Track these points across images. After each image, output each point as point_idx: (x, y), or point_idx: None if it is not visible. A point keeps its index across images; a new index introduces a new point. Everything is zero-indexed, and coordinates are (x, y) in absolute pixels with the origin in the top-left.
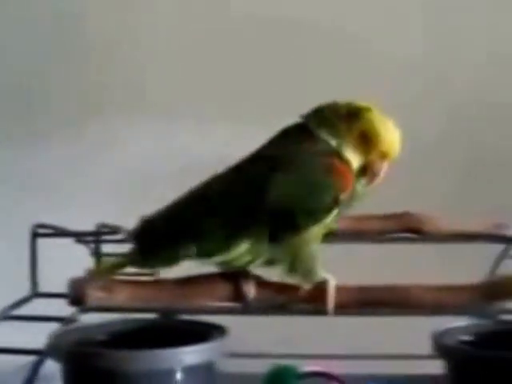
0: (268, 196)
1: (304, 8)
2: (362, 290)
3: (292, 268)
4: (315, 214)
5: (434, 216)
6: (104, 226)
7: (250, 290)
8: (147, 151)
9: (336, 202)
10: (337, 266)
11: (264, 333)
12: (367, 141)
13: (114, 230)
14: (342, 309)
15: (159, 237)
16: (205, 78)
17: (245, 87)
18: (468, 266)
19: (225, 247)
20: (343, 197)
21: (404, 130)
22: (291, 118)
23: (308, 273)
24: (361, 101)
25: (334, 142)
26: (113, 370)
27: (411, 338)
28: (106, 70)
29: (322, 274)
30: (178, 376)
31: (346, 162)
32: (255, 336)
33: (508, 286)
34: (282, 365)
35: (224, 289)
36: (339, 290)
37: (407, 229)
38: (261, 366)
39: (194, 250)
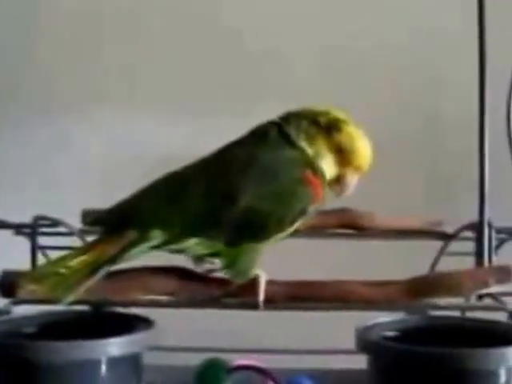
0: (238, 204)
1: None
2: (293, 284)
3: (230, 266)
4: (282, 225)
5: (372, 212)
6: (42, 218)
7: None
8: (103, 148)
9: (304, 214)
10: (275, 260)
11: (196, 326)
12: (344, 154)
13: (54, 222)
14: (272, 303)
15: (125, 220)
16: (163, 69)
17: (205, 80)
18: (409, 263)
19: (178, 238)
20: (311, 209)
21: None
22: (255, 113)
23: (244, 272)
24: (336, 110)
25: (311, 152)
26: (38, 361)
27: (343, 333)
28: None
29: (255, 270)
30: (103, 367)
31: (320, 174)
32: (189, 329)
33: (435, 282)
34: (212, 358)
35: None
36: (270, 284)
37: (346, 225)
38: (195, 360)
39: (154, 235)
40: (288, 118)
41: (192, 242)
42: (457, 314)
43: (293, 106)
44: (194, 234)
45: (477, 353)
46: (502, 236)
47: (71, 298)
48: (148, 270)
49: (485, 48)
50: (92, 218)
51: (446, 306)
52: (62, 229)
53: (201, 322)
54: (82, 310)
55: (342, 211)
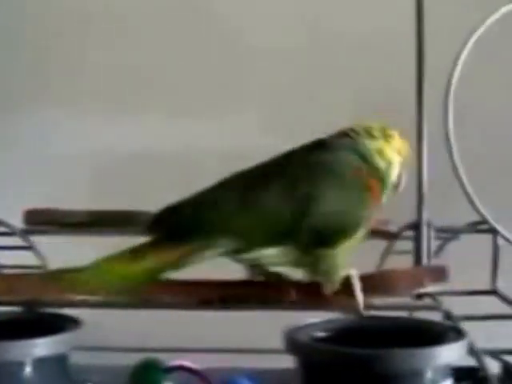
0: (309, 213)
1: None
2: (229, 284)
3: (314, 272)
4: (351, 232)
5: None
6: None
7: None
8: (48, 147)
9: (368, 219)
10: None
11: (135, 326)
12: (402, 156)
13: None
14: (205, 304)
15: (189, 226)
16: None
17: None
18: (354, 262)
19: (250, 246)
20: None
21: None
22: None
23: (329, 275)
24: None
25: (382, 164)
26: None
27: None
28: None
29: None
30: (28, 368)
31: (382, 180)
32: (127, 329)
33: (370, 282)
34: (148, 359)
35: None
36: (206, 284)
37: None
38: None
39: (223, 243)
40: (349, 132)
41: (265, 251)
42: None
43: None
44: (268, 242)
45: (403, 353)
46: (446, 235)
47: None
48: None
49: (423, 51)
50: (148, 222)
51: (382, 306)
52: (2, 228)
53: (139, 322)
54: (13, 310)
55: None
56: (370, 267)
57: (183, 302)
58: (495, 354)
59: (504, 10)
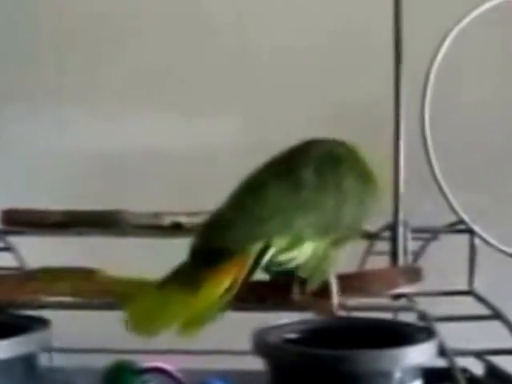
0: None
1: None
2: None
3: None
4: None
5: None
6: None
7: None
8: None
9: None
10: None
11: (106, 327)
12: None
13: None
14: None
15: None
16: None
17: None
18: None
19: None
20: None
21: None
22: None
23: (327, 273)
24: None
25: None
26: None
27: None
28: None
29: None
30: None
31: None
32: (98, 330)
33: (344, 283)
34: (120, 360)
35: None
36: None
37: None
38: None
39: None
40: None
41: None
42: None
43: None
44: (317, 236)
45: (371, 354)
46: (422, 236)
47: None
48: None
49: (401, 50)
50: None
51: (356, 307)
52: None
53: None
54: None
55: None
56: (350, 268)
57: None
58: (479, 354)
59: (478, 11)
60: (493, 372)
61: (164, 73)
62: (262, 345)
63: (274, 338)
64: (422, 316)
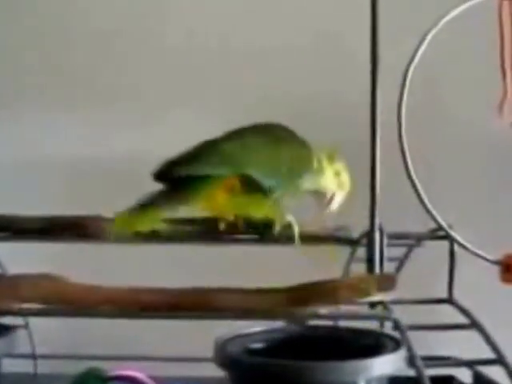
0: None
1: None
2: (172, 292)
3: None
4: None
5: None
6: None
7: None
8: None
9: None
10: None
11: (78, 333)
12: (340, 177)
13: None
14: (147, 311)
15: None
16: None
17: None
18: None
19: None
20: None
21: None
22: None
23: None
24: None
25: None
26: None
27: None
28: None
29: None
30: None
31: None
32: (69, 337)
33: (314, 290)
34: (90, 368)
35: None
36: (148, 292)
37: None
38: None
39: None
40: None
41: None
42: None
43: None
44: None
45: (332, 365)
46: (411, 242)
47: None
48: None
49: (377, 53)
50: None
51: (329, 315)
52: None
53: (82, 330)
54: None
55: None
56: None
57: (125, 310)
58: (468, 363)
59: (454, 13)
60: (480, 380)
61: (140, 76)
62: (221, 356)
63: (235, 348)
64: (396, 325)
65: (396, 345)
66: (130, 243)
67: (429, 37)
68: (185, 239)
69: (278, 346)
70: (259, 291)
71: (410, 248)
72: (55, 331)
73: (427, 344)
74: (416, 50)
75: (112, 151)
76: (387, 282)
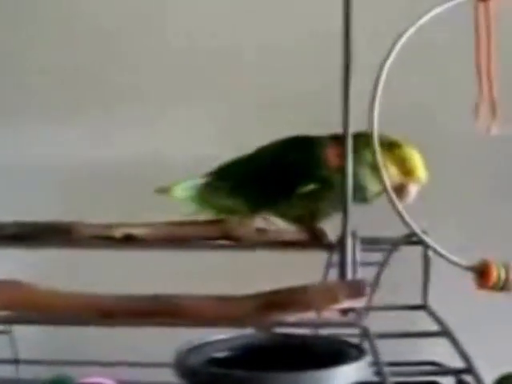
0: None
1: None
2: (136, 299)
3: None
4: None
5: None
6: None
7: None
8: None
9: None
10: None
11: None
12: (405, 166)
13: None
14: (109, 318)
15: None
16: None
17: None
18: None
19: None
20: None
21: None
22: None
23: None
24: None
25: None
26: None
27: None
28: None
29: None
30: None
31: None
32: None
33: (285, 297)
34: (59, 375)
35: None
36: (110, 298)
37: (222, 236)
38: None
39: None
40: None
41: None
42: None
43: None
44: None
45: (290, 376)
46: (388, 247)
47: None
48: None
49: (350, 56)
50: None
51: (296, 323)
52: None
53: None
54: None
55: (218, 222)
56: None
57: (84, 317)
58: (452, 371)
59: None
60: None
61: (141, 76)
62: (181, 366)
63: (198, 358)
64: (365, 333)
65: (360, 353)
66: (104, 248)
67: (403, 38)
68: (156, 245)
69: (243, 355)
70: (227, 298)
71: (389, 253)
72: (37, 336)
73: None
74: (389, 51)
75: (112, 153)
76: (357, 289)
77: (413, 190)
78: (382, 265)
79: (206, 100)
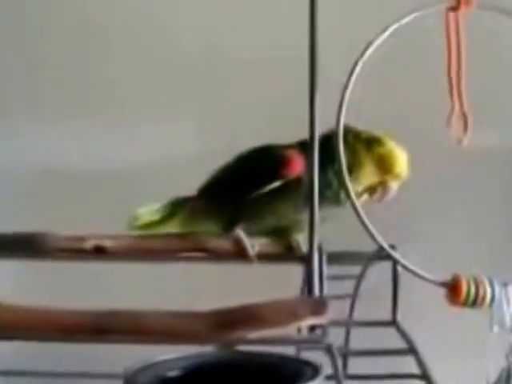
0: None
1: None
2: (92, 314)
3: None
4: None
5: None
6: None
7: None
8: None
9: None
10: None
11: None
12: (384, 164)
13: None
14: (65, 334)
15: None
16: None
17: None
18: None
19: None
20: None
21: None
22: None
23: None
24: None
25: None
26: None
27: None
28: None
29: None
30: None
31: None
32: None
33: (245, 314)
34: None
35: None
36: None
37: (193, 248)
38: None
39: None
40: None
41: None
42: None
43: None
44: None
45: None
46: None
47: None
48: None
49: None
50: None
51: (256, 340)
52: None
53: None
54: None
55: (191, 234)
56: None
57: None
58: None
59: (392, 28)
60: None
61: (108, 82)
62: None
63: (148, 377)
64: (329, 350)
65: (315, 372)
66: (75, 260)
67: (370, 49)
68: (127, 257)
69: (197, 374)
70: (183, 314)
71: (365, 267)
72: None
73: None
74: (356, 62)
75: (56, 162)
76: (319, 306)
77: (393, 187)
78: (359, 279)
79: (187, 107)
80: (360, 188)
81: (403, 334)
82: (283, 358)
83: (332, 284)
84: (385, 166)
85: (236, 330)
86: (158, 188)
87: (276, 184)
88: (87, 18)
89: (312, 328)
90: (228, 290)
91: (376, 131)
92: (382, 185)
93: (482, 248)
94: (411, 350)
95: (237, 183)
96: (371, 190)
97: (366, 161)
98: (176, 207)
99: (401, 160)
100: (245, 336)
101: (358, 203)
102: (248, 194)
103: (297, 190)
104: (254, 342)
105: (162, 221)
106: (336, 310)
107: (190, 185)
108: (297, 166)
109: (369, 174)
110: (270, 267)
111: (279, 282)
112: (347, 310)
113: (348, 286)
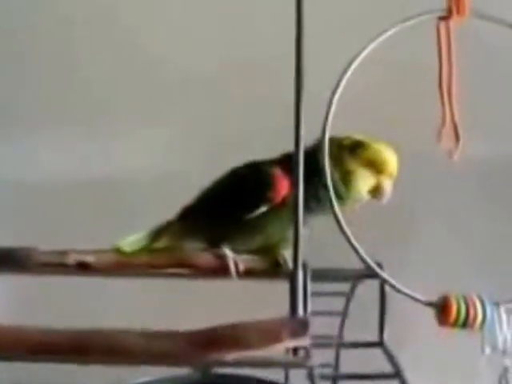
0: None
1: None
2: (65, 334)
3: None
4: None
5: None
6: None
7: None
8: None
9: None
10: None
11: None
12: (375, 166)
13: None
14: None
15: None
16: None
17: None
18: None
19: None
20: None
21: None
22: None
23: None
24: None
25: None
26: None
27: None
28: None
29: None
30: None
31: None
32: None
33: (223, 335)
34: None
35: None
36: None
37: (180, 264)
38: None
39: None
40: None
41: None
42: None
43: None
44: None
45: None
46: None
47: None
48: None
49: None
50: None
51: (236, 361)
52: None
53: None
54: None
55: (175, 250)
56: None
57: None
58: None
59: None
60: None
61: (87, 93)
62: None
63: None
64: (310, 373)
65: None
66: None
67: (355, 63)
68: (110, 272)
69: None
70: (159, 334)
71: (354, 285)
72: None
73: None
74: (341, 76)
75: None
76: (300, 327)
77: (388, 187)
78: (348, 297)
79: (170, 119)
80: (362, 194)
81: (390, 357)
82: (261, 382)
83: (319, 301)
84: (376, 167)
85: (213, 351)
86: (142, 200)
87: (263, 209)
88: (70, 26)
89: (295, 349)
90: (217, 306)
91: (356, 135)
92: (378, 187)
93: (472, 263)
94: (397, 375)
95: (223, 207)
96: (371, 193)
97: (355, 167)
98: (160, 233)
99: (390, 158)
100: (222, 358)
101: (343, 221)
102: (234, 217)
103: (283, 209)
104: (235, 364)
105: (147, 247)
106: (324, 329)
107: (174, 198)
108: (283, 189)
109: (364, 179)
110: (259, 283)
111: (270, 298)
112: (335, 329)
113: (337, 304)
